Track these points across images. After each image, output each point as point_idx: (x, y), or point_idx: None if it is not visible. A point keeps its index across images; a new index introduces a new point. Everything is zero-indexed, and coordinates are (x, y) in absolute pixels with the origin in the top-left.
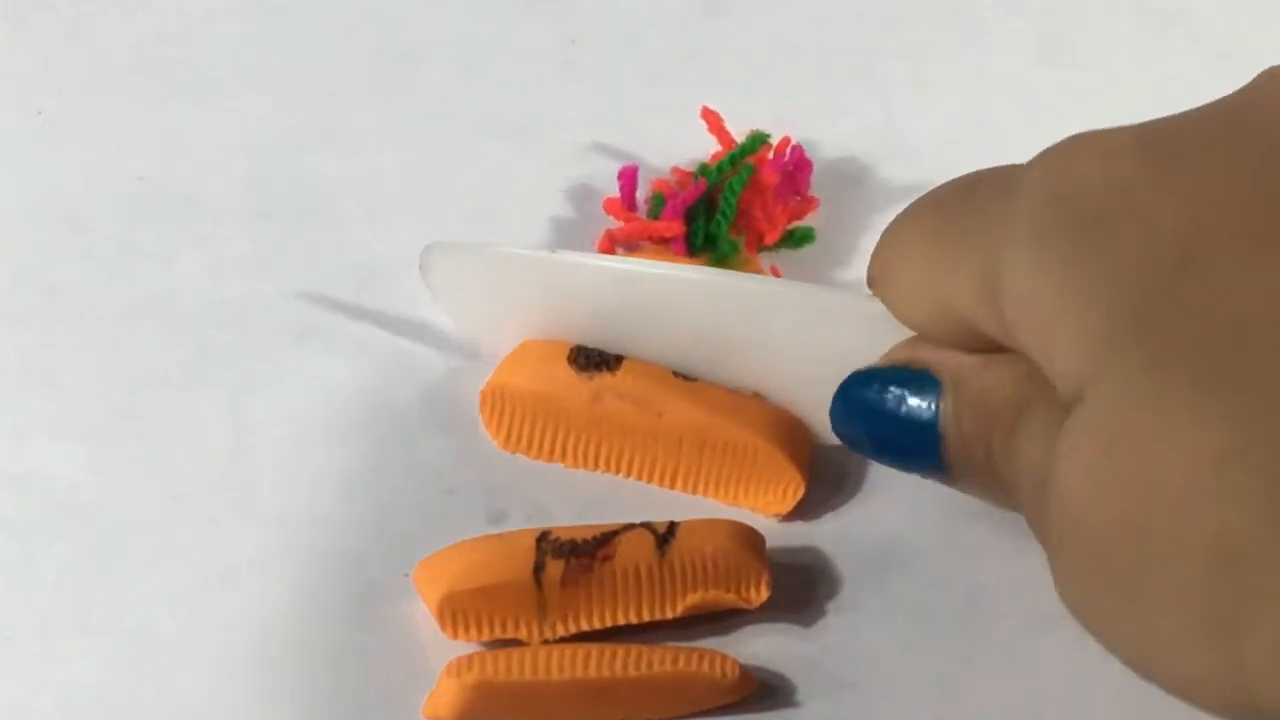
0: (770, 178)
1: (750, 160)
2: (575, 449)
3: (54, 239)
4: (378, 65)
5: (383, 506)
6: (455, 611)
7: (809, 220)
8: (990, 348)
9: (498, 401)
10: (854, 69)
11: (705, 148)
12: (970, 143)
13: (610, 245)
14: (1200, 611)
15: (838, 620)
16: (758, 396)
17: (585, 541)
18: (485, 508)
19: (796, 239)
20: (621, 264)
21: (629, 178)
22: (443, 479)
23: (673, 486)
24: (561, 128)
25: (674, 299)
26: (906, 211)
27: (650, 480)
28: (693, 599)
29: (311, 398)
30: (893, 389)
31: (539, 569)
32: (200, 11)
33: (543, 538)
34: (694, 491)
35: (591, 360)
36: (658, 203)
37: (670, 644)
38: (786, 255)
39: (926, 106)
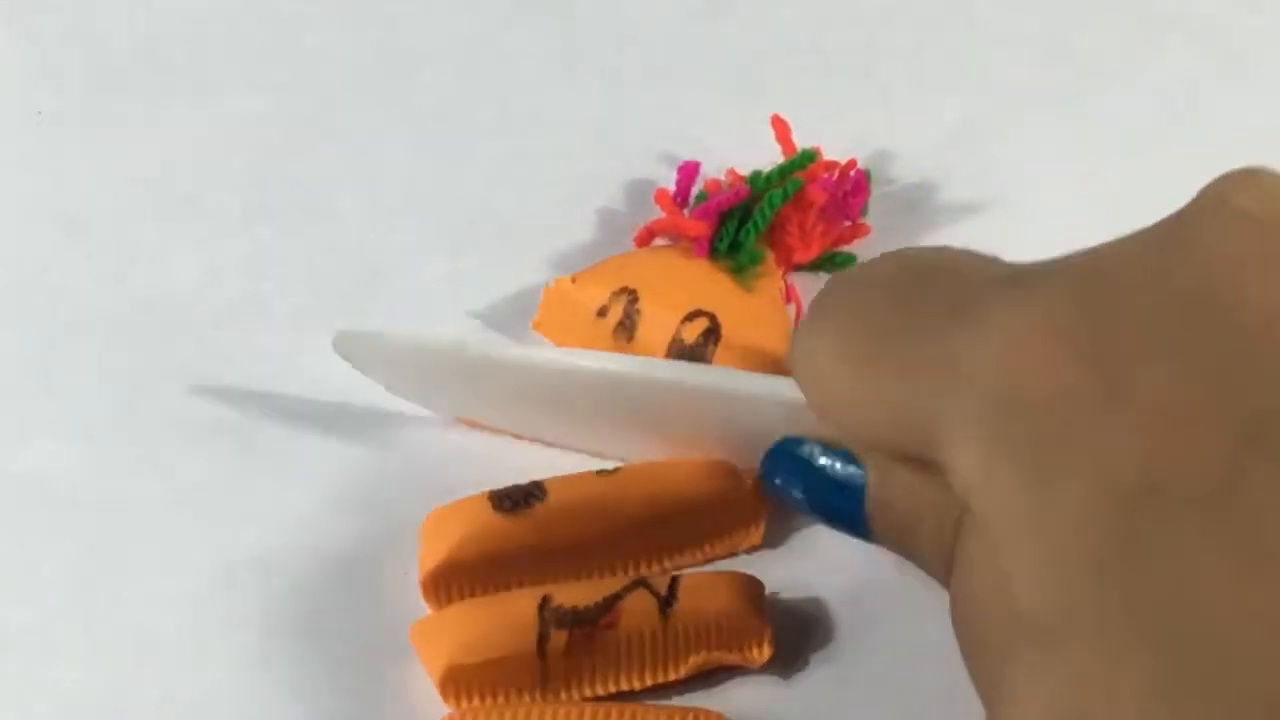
0: (817, 196)
1: (800, 176)
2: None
3: (54, 239)
4: (378, 65)
5: (383, 506)
6: (458, 684)
7: (856, 247)
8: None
9: (443, 583)
10: (854, 69)
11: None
12: (970, 143)
13: (649, 236)
14: None
15: (823, 671)
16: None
17: (588, 609)
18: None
19: (836, 262)
20: (520, 357)
21: (688, 173)
22: (442, 478)
23: (649, 569)
24: (561, 128)
25: (583, 391)
26: (831, 304)
27: (625, 573)
28: (696, 660)
29: (311, 398)
30: (823, 457)
31: (542, 641)
32: (200, 11)
33: (544, 605)
34: (675, 566)
35: (517, 499)
36: (699, 200)
37: (656, 702)
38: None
39: (927, 108)
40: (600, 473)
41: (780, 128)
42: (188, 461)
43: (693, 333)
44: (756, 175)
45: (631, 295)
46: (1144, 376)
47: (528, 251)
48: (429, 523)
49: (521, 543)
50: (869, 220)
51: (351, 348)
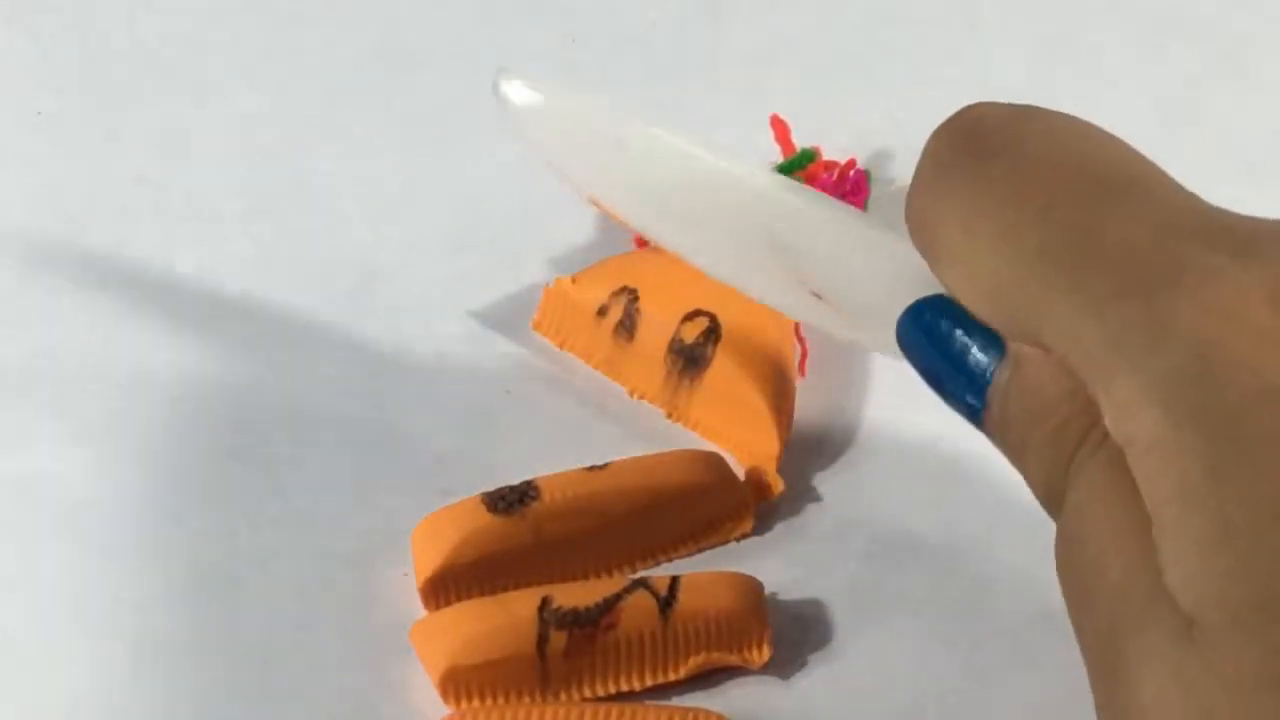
0: None
1: (800, 176)
2: (533, 580)
3: (54, 239)
4: (378, 65)
5: (383, 506)
6: (458, 685)
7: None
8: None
9: (441, 587)
10: (854, 69)
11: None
12: None
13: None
14: None
15: (823, 671)
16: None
17: (588, 610)
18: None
19: None
20: (702, 152)
21: None
22: (442, 478)
23: (645, 564)
24: None
25: (739, 199)
26: (988, 180)
27: (622, 571)
28: (695, 661)
29: (312, 398)
30: (961, 334)
31: (542, 641)
32: (200, 11)
33: (544, 606)
34: (668, 558)
35: (511, 500)
36: None
37: (656, 703)
38: None
39: (927, 107)
40: (591, 469)
41: (779, 128)
42: (188, 462)
43: (692, 332)
44: None
45: (631, 295)
46: None
47: (528, 251)
48: (423, 528)
49: (518, 543)
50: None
51: (511, 95)
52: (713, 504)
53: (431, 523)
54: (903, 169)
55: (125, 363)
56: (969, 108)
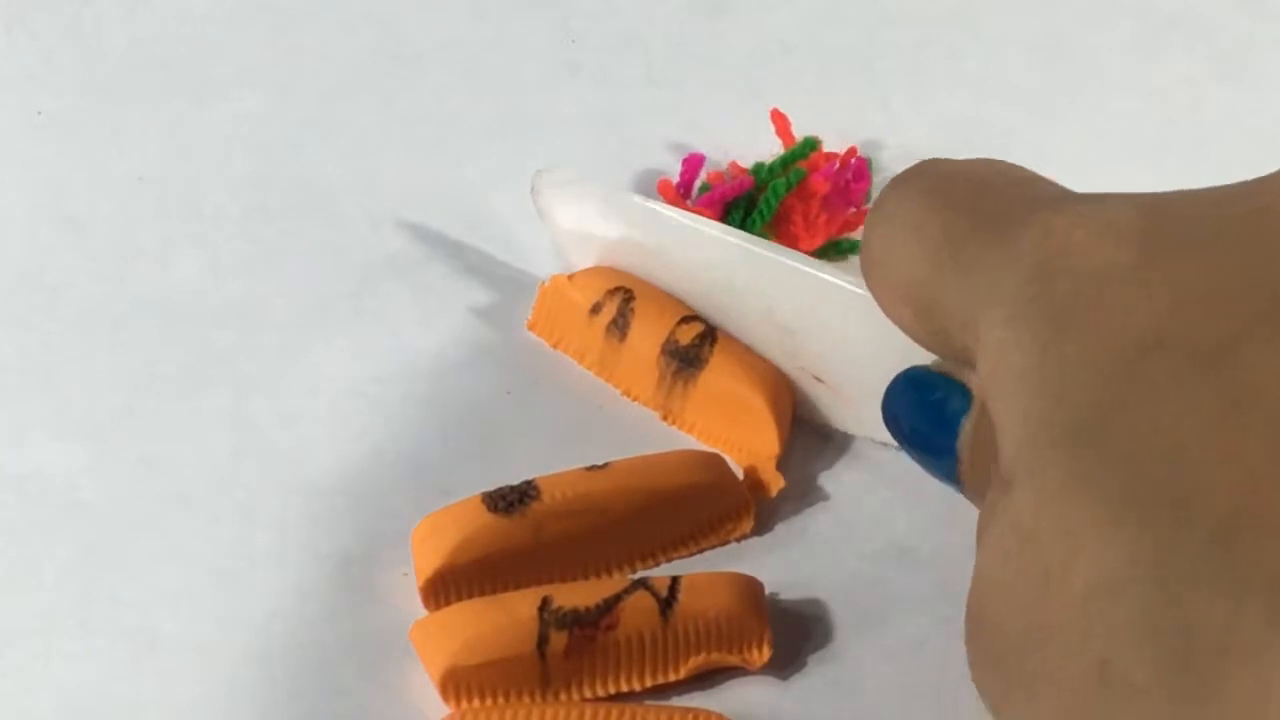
0: (820, 185)
1: (803, 165)
2: (533, 580)
3: (54, 239)
4: (378, 65)
5: (383, 506)
6: (458, 685)
7: (861, 234)
8: None
9: (442, 588)
10: (854, 69)
11: (772, 148)
12: (970, 143)
13: None
14: None
15: (823, 671)
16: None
17: (588, 610)
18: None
19: (841, 249)
20: (713, 229)
21: (692, 164)
22: (442, 478)
23: (645, 564)
24: (562, 128)
25: (750, 274)
26: (903, 201)
27: (622, 571)
28: (695, 661)
29: (311, 398)
30: (936, 392)
31: (543, 642)
32: (200, 11)
33: (545, 606)
34: (668, 558)
35: (511, 500)
36: (703, 191)
37: (655, 703)
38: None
39: (926, 106)
40: (591, 469)
41: (779, 121)
42: (188, 461)
43: (689, 334)
44: (759, 166)
45: (627, 295)
46: (1183, 259)
47: (528, 251)
48: (423, 528)
49: (518, 542)
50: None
51: (545, 188)
52: (713, 504)
53: (431, 522)
54: (902, 161)
55: (125, 362)
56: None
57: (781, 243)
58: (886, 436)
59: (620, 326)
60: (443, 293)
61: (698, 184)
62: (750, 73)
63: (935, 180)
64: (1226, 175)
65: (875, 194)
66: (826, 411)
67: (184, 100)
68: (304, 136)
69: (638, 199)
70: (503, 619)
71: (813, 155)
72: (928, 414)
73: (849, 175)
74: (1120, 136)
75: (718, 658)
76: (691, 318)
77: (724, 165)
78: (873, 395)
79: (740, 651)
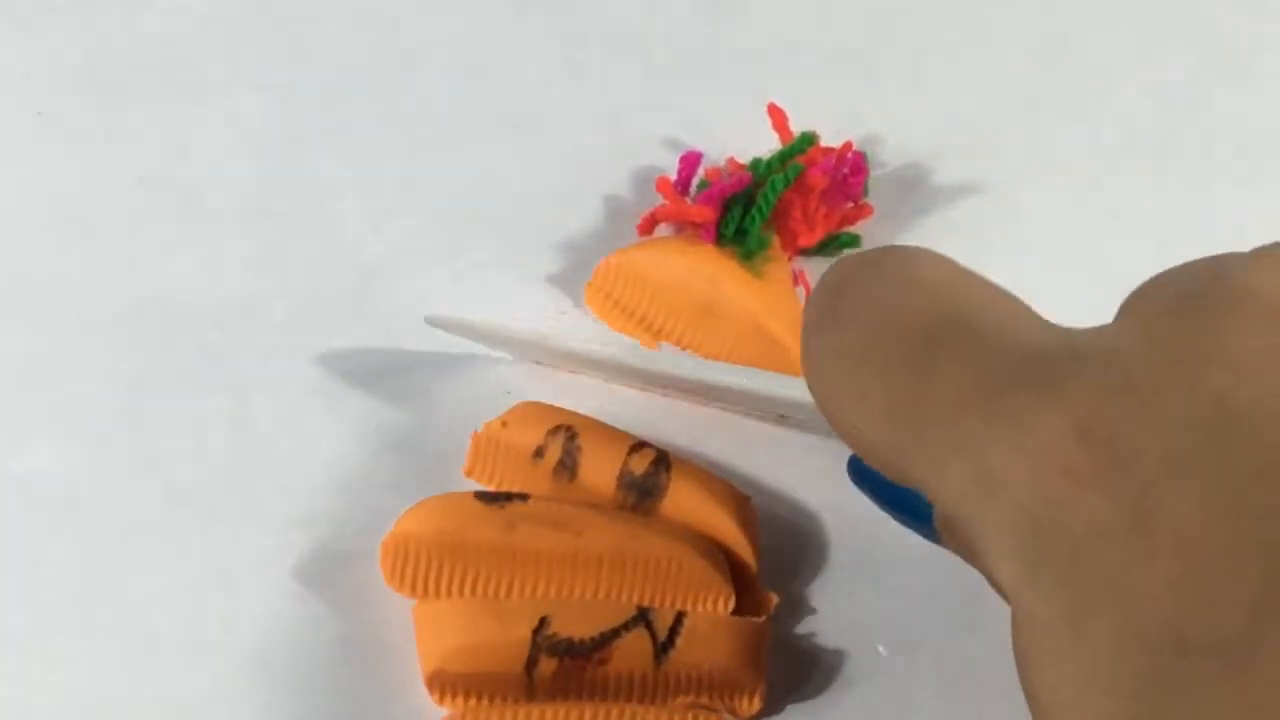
0: (818, 180)
1: (800, 160)
2: (488, 583)
3: (54, 239)
4: (378, 65)
5: (382, 506)
6: (444, 684)
7: (860, 228)
8: None
9: (399, 552)
10: (854, 69)
11: (769, 144)
12: (970, 143)
13: (651, 224)
14: None
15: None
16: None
17: (583, 642)
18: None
19: (840, 244)
20: (604, 358)
21: (690, 162)
22: (442, 478)
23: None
24: (562, 127)
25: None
26: (842, 350)
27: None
28: (682, 701)
29: (311, 398)
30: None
31: (532, 664)
32: (200, 11)
33: (541, 627)
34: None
35: (499, 496)
36: (701, 188)
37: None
38: (826, 262)
39: (926, 105)
40: (616, 513)
41: (777, 115)
42: (188, 461)
43: (642, 463)
44: (757, 162)
45: (569, 432)
46: (1169, 504)
47: (528, 251)
48: (415, 506)
49: (485, 533)
50: (870, 201)
51: (444, 325)
52: (693, 586)
53: (423, 500)
54: (899, 156)
55: (125, 362)
56: (836, 264)
57: (781, 238)
58: None
59: (569, 466)
60: (442, 293)
61: (695, 181)
62: (749, 71)
63: (862, 330)
64: (1227, 175)
65: (873, 189)
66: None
67: (184, 100)
68: (304, 136)
69: (528, 331)
70: (497, 635)
71: (810, 150)
72: (895, 495)
73: (846, 169)
74: (1120, 136)
75: (705, 702)
76: (641, 445)
77: (722, 162)
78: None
79: (730, 700)
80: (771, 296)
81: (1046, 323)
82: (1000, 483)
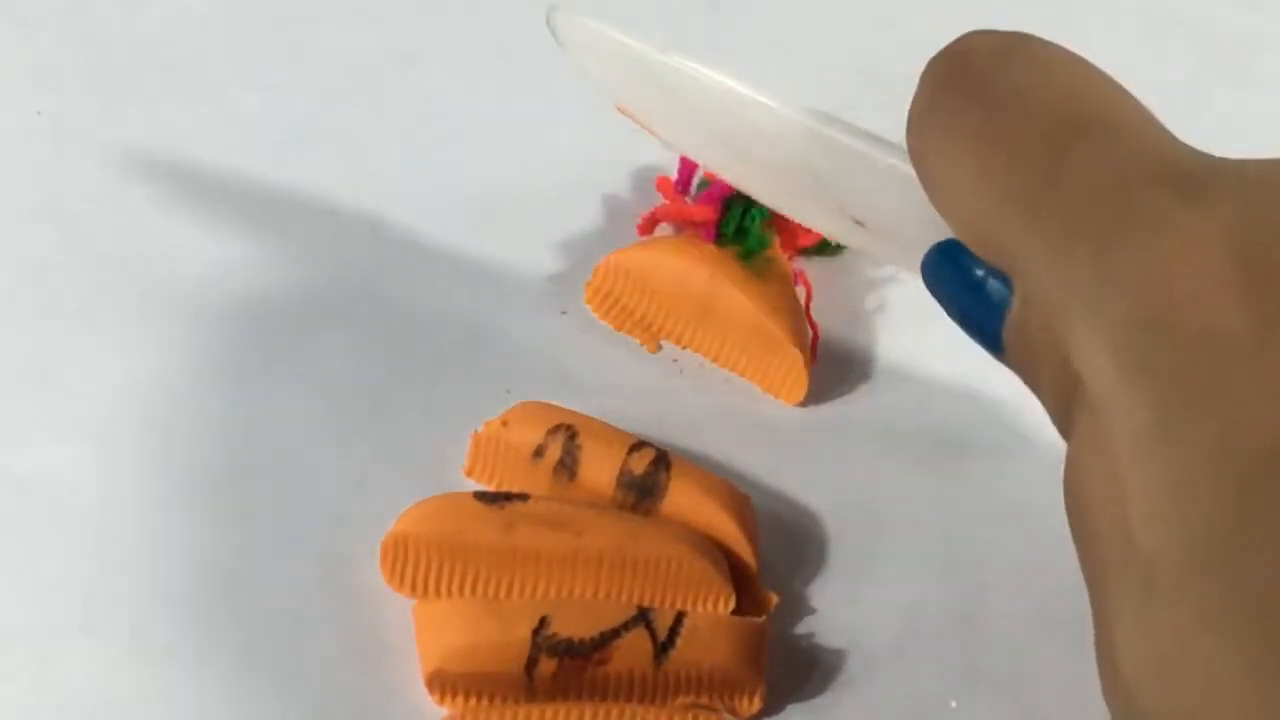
0: None
1: None
2: (488, 583)
3: (54, 239)
4: (377, 65)
5: (382, 507)
6: (444, 684)
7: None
8: None
9: (400, 550)
10: (854, 69)
11: None
12: None
13: (651, 224)
14: None
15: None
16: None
17: (582, 642)
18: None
19: (834, 246)
20: (733, 83)
21: (690, 161)
22: (442, 479)
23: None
24: (562, 127)
25: (779, 134)
26: (961, 120)
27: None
28: (682, 701)
29: (311, 398)
30: (978, 272)
31: (532, 664)
32: (200, 11)
33: (541, 627)
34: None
35: (499, 496)
36: (701, 188)
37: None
38: (825, 261)
39: None
40: (618, 512)
41: None
42: (188, 461)
43: (641, 463)
44: None
45: (570, 431)
46: None
47: (529, 251)
48: (408, 511)
49: (485, 533)
50: None
51: (561, 27)
52: (693, 586)
53: (423, 499)
54: None
55: (125, 362)
56: (961, 38)
57: (781, 238)
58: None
59: (569, 465)
60: (442, 293)
61: (696, 180)
62: (748, 71)
63: (994, 107)
64: None
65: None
66: (870, 251)
67: (184, 100)
68: (304, 136)
69: (655, 52)
70: (497, 635)
71: None
72: (969, 291)
73: None
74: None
75: (705, 702)
76: (641, 444)
77: None
78: (911, 243)
79: (730, 700)
80: (771, 296)
81: (1185, 144)
82: (1126, 276)
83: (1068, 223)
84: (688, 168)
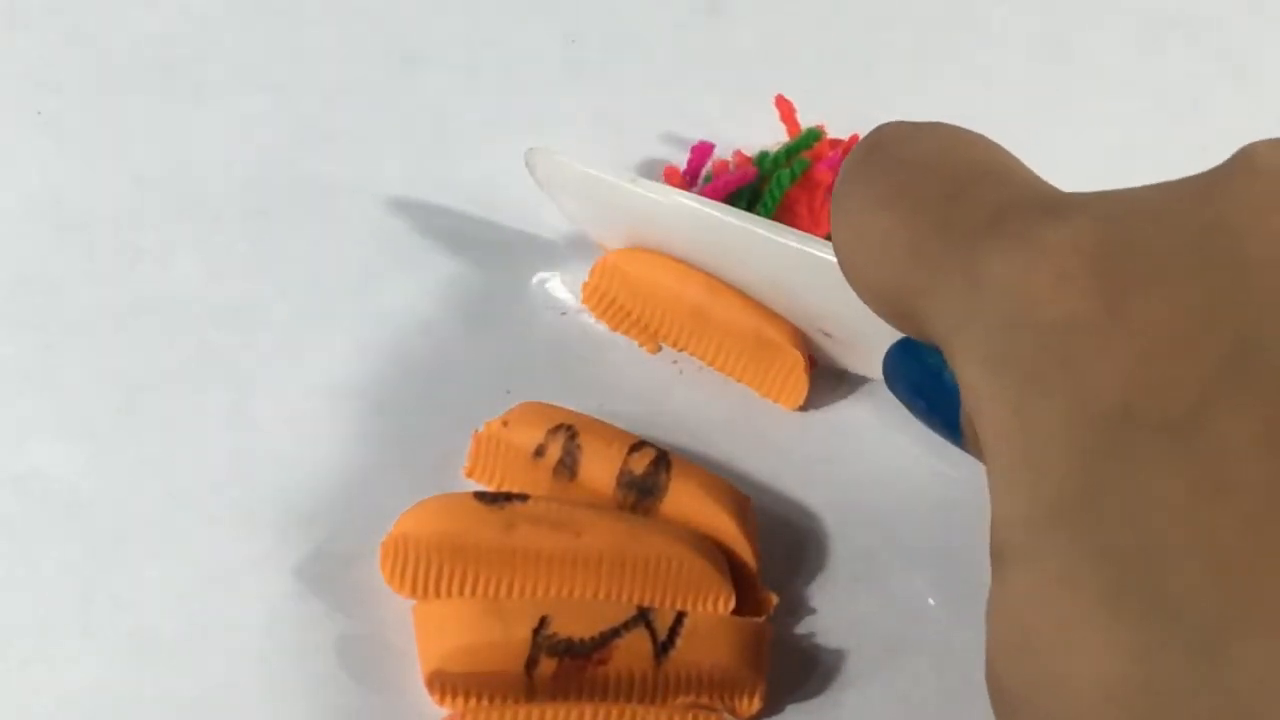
0: (824, 176)
1: (807, 156)
2: (488, 583)
3: (54, 239)
4: (378, 65)
5: (382, 506)
6: (444, 685)
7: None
8: None
9: (400, 552)
10: (854, 69)
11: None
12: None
13: None
14: None
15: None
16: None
17: (583, 642)
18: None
19: None
20: (697, 205)
21: (701, 152)
22: (442, 479)
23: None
24: (562, 127)
25: (744, 247)
26: (869, 192)
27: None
28: (682, 702)
29: (311, 398)
30: (931, 358)
31: (532, 664)
32: (200, 11)
33: (541, 627)
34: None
35: (499, 497)
36: (707, 180)
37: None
38: None
39: (926, 106)
40: (617, 512)
41: (784, 107)
42: (187, 461)
43: (641, 463)
44: (763, 156)
45: (570, 431)
46: (1143, 303)
47: (529, 251)
48: (408, 511)
49: (486, 534)
50: None
51: (539, 163)
52: (692, 584)
53: (423, 500)
54: None
55: (125, 362)
56: (877, 128)
57: None
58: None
59: (569, 465)
60: (442, 293)
61: (703, 173)
62: (749, 71)
63: (898, 174)
64: None
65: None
66: (840, 360)
67: (184, 100)
68: (304, 136)
69: (624, 182)
70: (497, 635)
71: (816, 145)
72: (927, 379)
73: None
74: (1120, 136)
75: (705, 702)
76: (641, 444)
77: (728, 156)
78: (883, 339)
79: (730, 700)
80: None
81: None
82: (991, 286)
83: (951, 257)
84: (698, 159)
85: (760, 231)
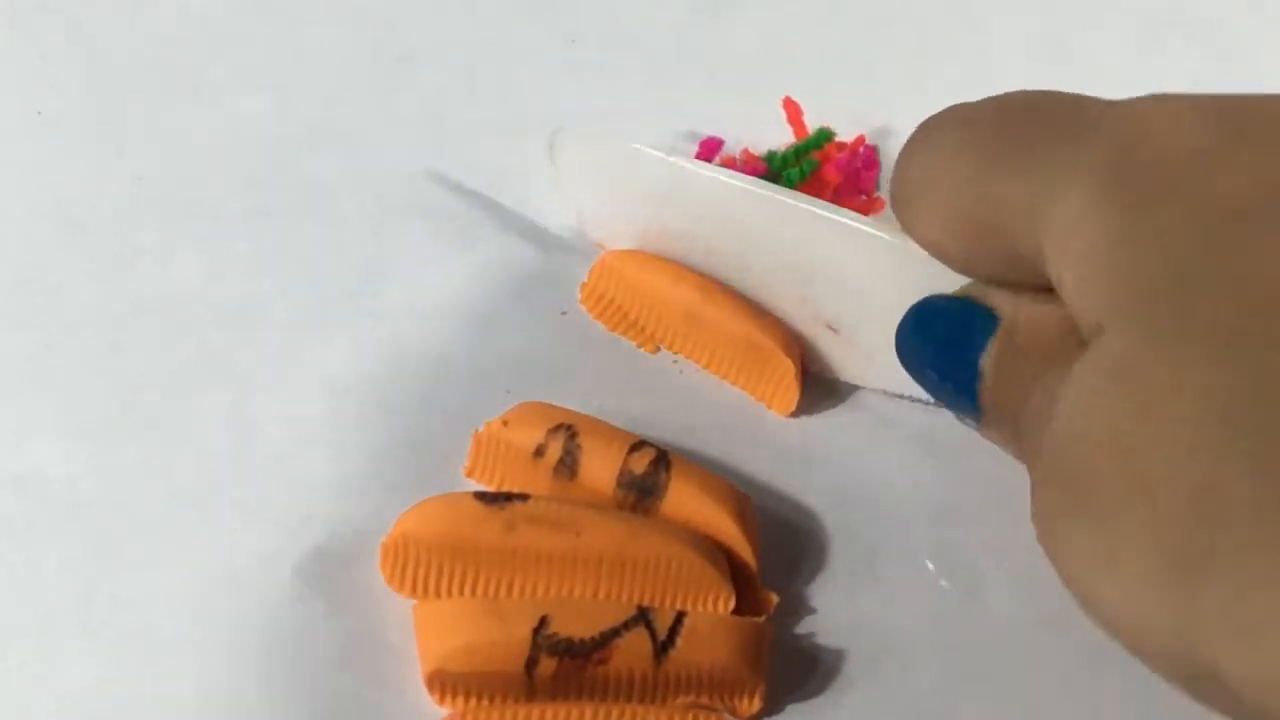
0: (833, 176)
1: (816, 156)
2: (488, 583)
3: (54, 239)
4: (377, 65)
5: (382, 506)
6: (444, 684)
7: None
8: (1019, 284)
9: (400, 552)
10: (854, 69)
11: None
12: None
13: None
14: (1168, 551)
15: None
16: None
17: (582, 642)
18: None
19: None
20: (737, 180)
21: (710, 148)
22: (443, 478)
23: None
24: (565, 123)
25: (777, 224)
26: (941, 130)
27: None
28: (682, 702)
29: (311, 398)
30: (958, 313)
31: (532, 664)
32: (200, 11)
33: (541, 626)
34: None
35: (499, 497)
36: None
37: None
38: None
39: (927, 106)
40: (618, 512)
41: (791, 109)
42: (188, 461)
43: (641, 462)
44: (773, 155)
45: (570, 431)
46: (1260, 148)
47: (529, 251)
48: (415, 506)
49: (485, 534)
50: (882, 195)
51: (565, 146)
52: (692, 585)
53: (422, 501)
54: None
55: (125, 362)
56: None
57: None
58: (897, 386)
59: (569, 465)
60: (442, 293)
61: (715, 162)
62: (749, 71)
63: (975, 109)
64: None
65: (885, 183)
66: (837, 365)
67: (184, 100)
68: (304, 136)
69: (657, 153)
70: (497, 634)
71: (825, 146)
72: (949, 334)
73: (859, 163)
74: None
75: (705, 702)
76: (641, 444)
77: (737, 153)
78: (886, 340)
79: (730, 699)
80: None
81: None
82: (1102, 135)
83: (1047, 140)
84: (707, 154)
85: (802, 206)
